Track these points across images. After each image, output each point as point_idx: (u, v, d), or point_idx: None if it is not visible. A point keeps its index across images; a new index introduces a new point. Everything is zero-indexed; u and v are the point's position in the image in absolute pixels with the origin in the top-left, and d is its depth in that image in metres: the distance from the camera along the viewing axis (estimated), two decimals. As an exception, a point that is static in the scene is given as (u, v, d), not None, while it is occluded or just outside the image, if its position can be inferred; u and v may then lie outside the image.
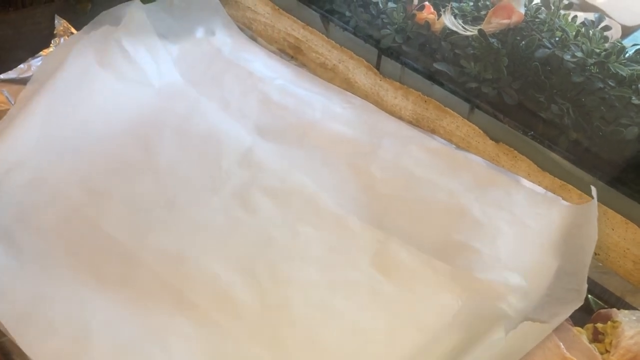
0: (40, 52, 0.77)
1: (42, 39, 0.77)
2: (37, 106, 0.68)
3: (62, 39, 0.78)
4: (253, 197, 0.66)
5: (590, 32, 0.69)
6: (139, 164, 0.68)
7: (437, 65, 0.72)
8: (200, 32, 0.85)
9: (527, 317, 0.53)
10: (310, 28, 0.82)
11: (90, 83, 0.71)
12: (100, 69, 0.72)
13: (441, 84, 0.72)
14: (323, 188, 0.67)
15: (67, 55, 0.72)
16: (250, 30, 0.89)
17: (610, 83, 0.64)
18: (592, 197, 0.61)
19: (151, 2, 0.79)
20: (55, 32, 0.77)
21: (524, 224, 0.63)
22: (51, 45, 0.78)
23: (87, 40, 0.73)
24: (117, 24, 0.76)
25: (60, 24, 0.79)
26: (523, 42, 0.68)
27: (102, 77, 0.72)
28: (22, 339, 0.54)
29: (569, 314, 0.51)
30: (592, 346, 0.51)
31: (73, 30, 0.79)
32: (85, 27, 0.76)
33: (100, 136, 0.70)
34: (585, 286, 0.53)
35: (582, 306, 0.52)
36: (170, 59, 0.79)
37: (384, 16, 0.77)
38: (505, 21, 0.70)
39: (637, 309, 0.57)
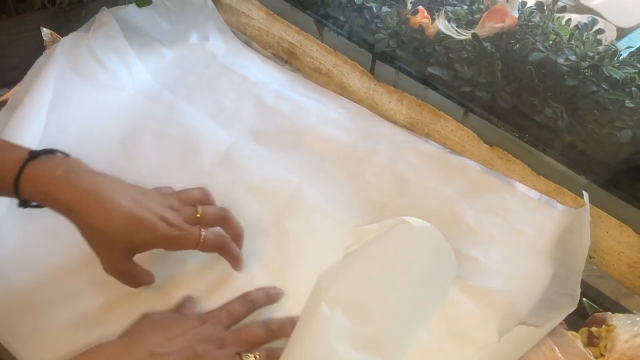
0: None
1: (36, 46, 0.76)
2: (18, 114, 0.67)
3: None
4: (238, 196, 0.66)
5: (584, 35, 0.69)
6: (121, 169, 0.67)
7: (431, 70, 0.72)
8: (194, 37, 0.85)
9: (521, 321, 0.52)
10: (304, 33, 0.82)
11: (65, 89, 0.71)
12: (73, 75, 0.72)
13: (435, 88, 0.72)
14: (318, 192, 0.67)
15: (45, 63, 0.72)
16: (245, 35, 0.89)
17: (603, 86, 0.64)
18: (587, 206, 0.61)
19: (147, 4, 0.79)
20: (44, 44, 0.77)
21: (518, 230, 0.63)
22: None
23: (60, 48, 0.73)
24: (116, 25, 0.77)
25: (47, 34, 0.77)
26: (517, 46, 0.68)
27: (76, 83, 0.72)
28: (14, 344, 0.54)
29: (563, 318, 0.51)
30: (586, 350, 0.51)
31: (61, 39, 0.78)
32: (81, 27, 0.76)
33: (79, 143, 0.69)
34: (579, 290, 0.53)
35: (577, 310, 0.52)
36: (141, 63, 0.79)
37: (378, 20, 0.77)
38: (499, 25, 0.70)
39: (632, 313, 0.57)
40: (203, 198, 0.59)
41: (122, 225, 0.50)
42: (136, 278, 0.55)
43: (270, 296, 0.57)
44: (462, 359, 0.53)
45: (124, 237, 0.51)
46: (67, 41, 0.74)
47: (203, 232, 0.54)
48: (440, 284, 0.58)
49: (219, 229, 0.58)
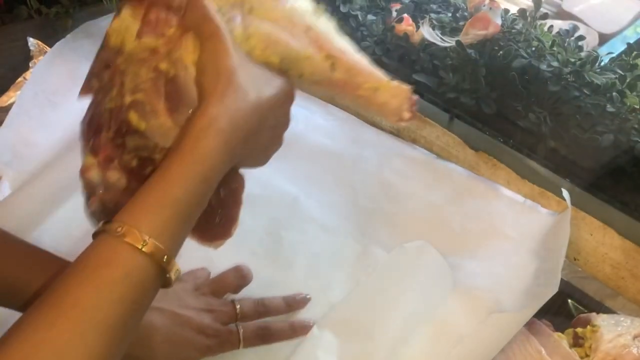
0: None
1: (22, 56, 0.76)
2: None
3: (39, 60, 0.77)
4: None
5: (566, 41, 0.71)
6: None
7: (417, 76, 0.73)
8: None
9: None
10: (291, 41, 0.83)
11: (59, 100, 0.71)
12: (72, 86, 0.72)
13: (421, 95, 0.72)
14: (307, 200, 0.67)
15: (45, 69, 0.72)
16: (232, 44, 0.89)
17: (585, 91, 0.65)
18: (568, 204, 0.62)
19: None
20: (31, 54, 0.77)
21: (503, 234, 0.64)
22: (29, 67, 0.77)
23: (62, 54, 0.73)
24: (96, 35, 0.76)
25: (34, 44, 0.77)
26: (500, 53, 0.69)
27: (71, 93, 0.72)
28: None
29: (541, 304, 0.52)
30: (572, 351, 0.52)
31: (48, 49, 0.78)
32: (66, 37, 0.76)
33: (55, 155, 0.68)
34: (559, 276, 0.53)
35: (562, 312, 0.53)
36: None
37: (363, 29, 0.78)
38: (482, 32, 0.71)
39: (616, 313, 0.58)
40: (240, 280, 0.59)
41: (164, 350, 0.51)
42: None
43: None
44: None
45: (167, 358, 0.52)
46: (70, 47, 0.74)
47: (241, 331, 0.54)
48: (433, 300, 0.58)
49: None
